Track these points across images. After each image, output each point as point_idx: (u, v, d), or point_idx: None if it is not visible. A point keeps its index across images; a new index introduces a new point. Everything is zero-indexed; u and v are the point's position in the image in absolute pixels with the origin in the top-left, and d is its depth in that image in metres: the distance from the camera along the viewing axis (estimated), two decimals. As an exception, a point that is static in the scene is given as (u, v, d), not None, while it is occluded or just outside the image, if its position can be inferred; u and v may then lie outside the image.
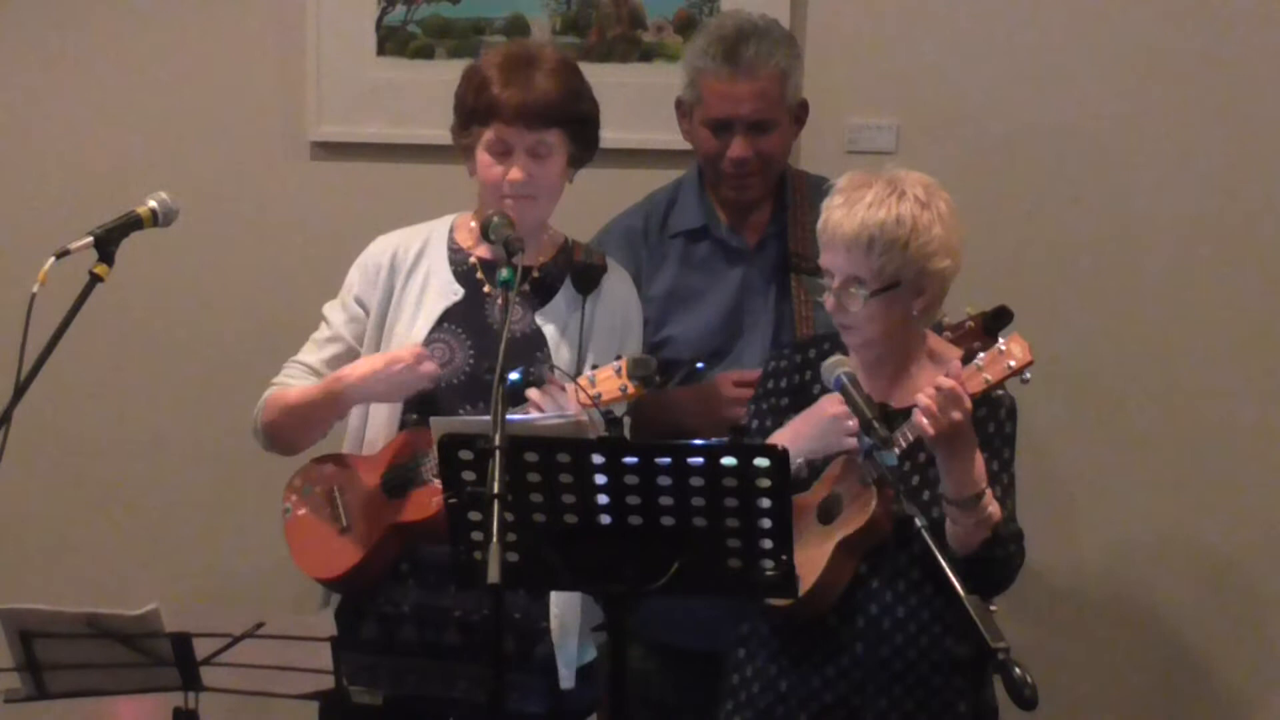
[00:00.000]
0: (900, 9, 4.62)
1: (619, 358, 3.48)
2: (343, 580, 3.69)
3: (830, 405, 3.45)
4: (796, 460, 3.35)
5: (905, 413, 3.37)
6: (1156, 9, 4.58)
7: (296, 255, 4.67)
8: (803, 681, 3.48)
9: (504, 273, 3.44)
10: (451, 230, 3.83)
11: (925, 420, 3.26)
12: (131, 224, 3.54)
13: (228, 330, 4.72)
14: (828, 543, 3.39)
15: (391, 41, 4.66)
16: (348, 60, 4.65)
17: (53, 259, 3.40)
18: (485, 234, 3.61)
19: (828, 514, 3.43)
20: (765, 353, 4.00)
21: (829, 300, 3.46)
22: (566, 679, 3.67)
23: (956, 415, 3.26)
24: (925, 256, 3.41)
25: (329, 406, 3.70)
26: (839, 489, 3.44)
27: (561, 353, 3.71)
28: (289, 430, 3.75)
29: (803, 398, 3.58)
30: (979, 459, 3.33)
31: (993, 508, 3.35)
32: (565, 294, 3.77)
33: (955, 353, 3.45)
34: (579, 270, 3.77)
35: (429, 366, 3.62)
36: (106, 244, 3.48)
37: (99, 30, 4.72)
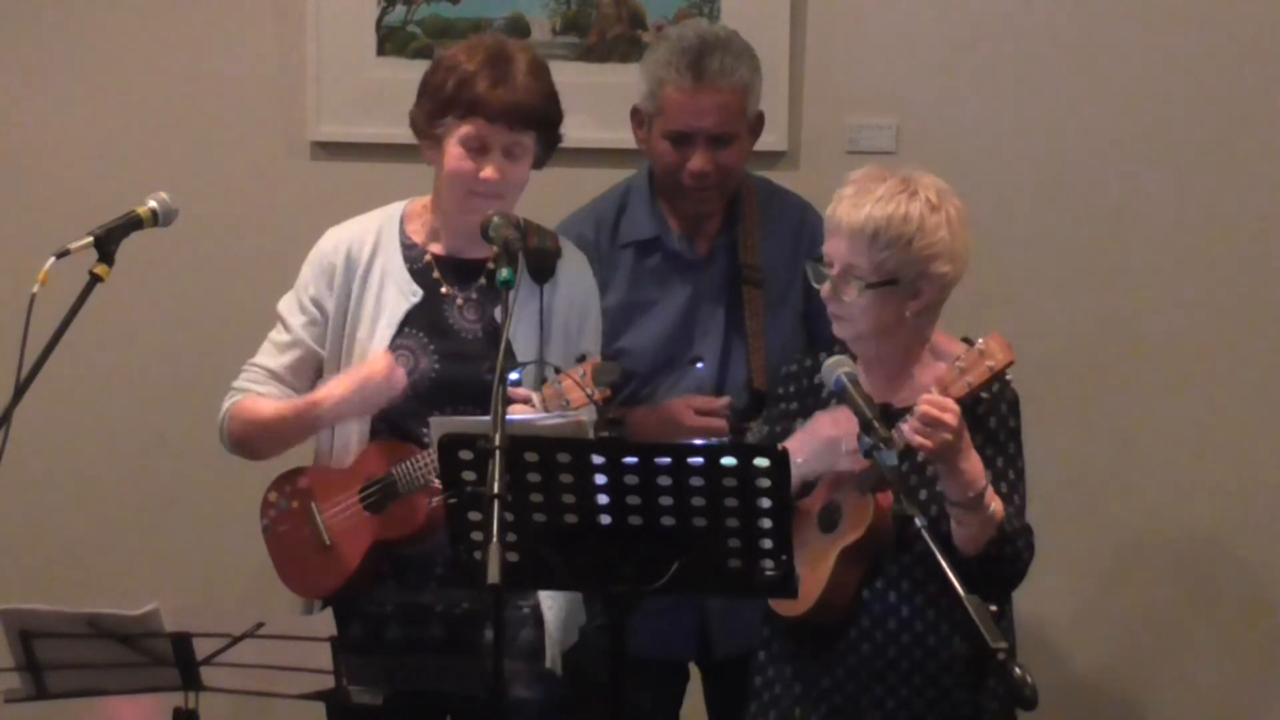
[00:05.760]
0: (900, 9, 4.62)
1: (583, 358, 3.48)
2: (329, 598, 3.70)
3: (826, 426, 3.43)
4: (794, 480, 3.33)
5: (906, 412, 3.37)
6: (1155, 10, 4.58)
7: (296, 255, 4.64)
8: (814, 682, 3.48)
9: (504, 273, 3.41)
10: (402, 222, 3.80)
11: (919, 439, 3.25)
12: (131, 224, 3.54)
13: (227, 330, 4.71)
14: (830, 552, 3.39)
15: (391, 41, 4.66)
16: (348, 60, 4.65)
17: (53, 259, 3.40)
18: (485, 235, 3.59)
19: (829, 522, 3.43)
20: (717, 364, 4.00)
21: (826, 288, 3.45)
22: (554, 661, 3.68)
23: (945, 435, 3.25)
24: (927, 259, 3.39)
25: (304, 428, 3.71)
26: (837, 497, 3.42)
27: (525, 349, 3.67)
28: (259, 443, 3.76)
29: (811, 400, 3.57)
30: (975, 459, 3.31)
31: (995, 505, 3.34)
32: (522, 285, 3.69)
33: (959, 348, 3.43)
34: (534, 258, 3.72)
35: (399, 376, 3.61)
36: (106, 244, 3.48)
37: (99, 30, 4.72)
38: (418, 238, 3.78)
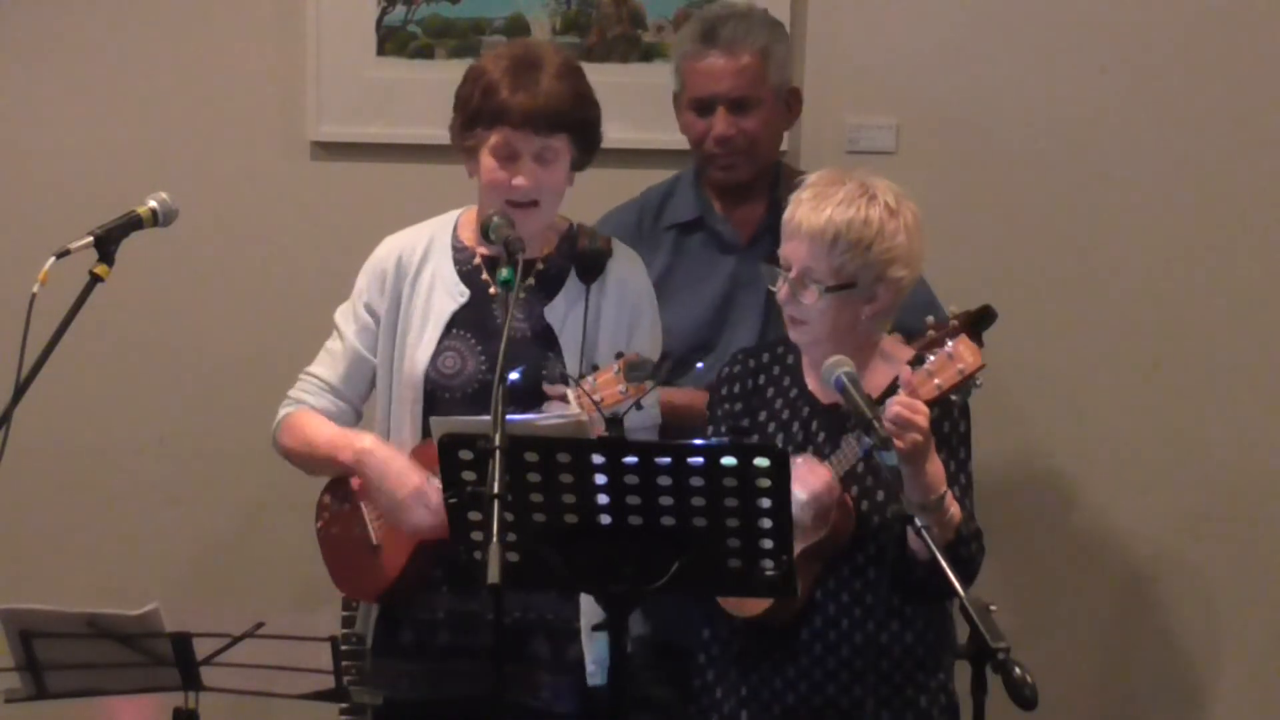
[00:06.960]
0: (900, 9, 4.63)
1: (619, 356, 3.47)
2: (379, 599, 3.71)
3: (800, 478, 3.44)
4: None
5: None
6: (1155, 10, 4.58)
7: (296, 255, 4.66)
8: (764, 683, 3.50)
9: (504, 273, 3.42)
10: (455, 227, 3.80)
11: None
12: (131, 224, 3.54)
13: (227, 330, 4.72)
14: None
15: (391, 41, 4.66)
16: (348, 60, 4.65)
17: (53, 259, 3.40)
18: (485, 234, 3.60)
19: None
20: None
21: (783, 290, 3.46)
22: (595, 675, 3.65)
23: (916, 436, 3.26)
24: (885, 263, 3.42)
25: (331, 466, 3.71)
26: None
27: (572, 348, 3.69)
28: (300, 464, 3.78)
29: (756, 400, 3.58)
30: (938, 462, 3.35)
31: (954, 509, 3.37)
32: (571, 285, 3.73)
33: (906, 353, 3.42)
34: (583, 258, 3.73)
35: (424, 511, 3.56)
36: (106, 244, 3.48)
37: (99, 30, 4.72)
38: (469, 241, 3.78)
